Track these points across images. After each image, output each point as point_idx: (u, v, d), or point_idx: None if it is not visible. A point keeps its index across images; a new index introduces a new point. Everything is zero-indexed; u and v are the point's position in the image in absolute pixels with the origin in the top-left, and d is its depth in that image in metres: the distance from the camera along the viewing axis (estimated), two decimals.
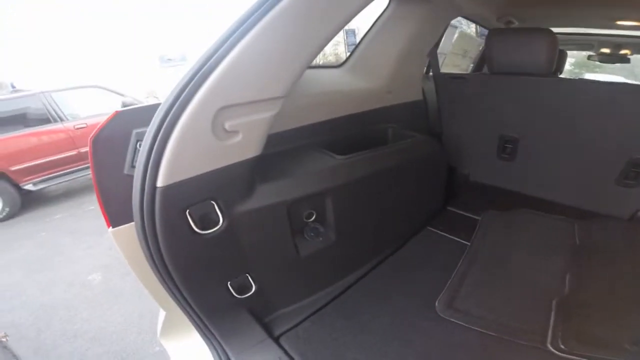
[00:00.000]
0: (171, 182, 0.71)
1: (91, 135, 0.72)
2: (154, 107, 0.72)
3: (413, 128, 1.52)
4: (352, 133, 1.29)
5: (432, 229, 1.47)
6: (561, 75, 3.13)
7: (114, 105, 4.55)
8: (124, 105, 4.52)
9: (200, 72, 0.68)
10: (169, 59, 9.04)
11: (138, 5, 8.05)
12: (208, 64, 0.68)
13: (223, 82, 0.69)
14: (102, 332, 1.97)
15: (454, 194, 1.72)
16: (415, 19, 1.36)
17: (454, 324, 0.97)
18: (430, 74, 1.81)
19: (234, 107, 0.74)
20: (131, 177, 0.72)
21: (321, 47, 0.79)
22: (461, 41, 2.39)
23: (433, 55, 1.72)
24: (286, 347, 0.90)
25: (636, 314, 0.99)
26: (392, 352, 0.90)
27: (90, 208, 3.98)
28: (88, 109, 4.47)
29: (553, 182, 1.58)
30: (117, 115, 0.74)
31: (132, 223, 0.75)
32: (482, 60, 2.38)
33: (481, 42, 2.51)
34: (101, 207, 0.75)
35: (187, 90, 0.68)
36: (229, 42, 0.68)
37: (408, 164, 1.31)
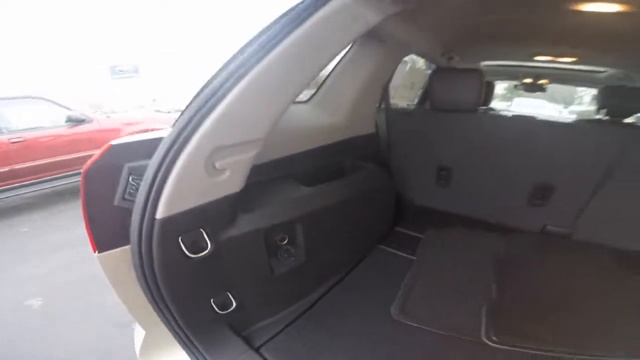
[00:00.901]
0: (169, 214, 0.78)
1: (85, 167, 0.77)
2: (147, 142, 0.81)
3: (367, 158, 1.72)
4: (318, 164, 1.44)
5: (384, 247, 1.67)
6: (494, 101, 3.59)
7: (57, 119, 4.23)
8: (69, 119, 4.23)
9: (199, 115, 0.76)
10: (121, 70, 8.63)
11: (90, 11, 7.64)
12: (205, 107, 0.77)
13: (217, 125, 0.78)
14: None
15: (401, 217, 1.94)
16: (373, 59, 1.53)
17: (407, 325, 1.14)
18: (383, 106, 2.01)
19: (225, 148, 0.83)
20: (120, 208, 0.79)
21: (300, 91, 0.91)
22: (410, 75, 2.66)
23: (385, 90, 1.94)
24: (267, 356, 0.98)
25: (549, 311, 1.21)
26: (360, 353, 1.02)
27: (23, 230, 3.58)
28: (28, 121, 4.10)
29: (481, 203, 1.88)
30: (111, 148, 0.79)
31: (117, 249, 0.81)
32: (425, 94, 2.69)
33: (427, 74, 2.81)
34: (89, 234, 0.79)
35: (186, 131, 0.76)
36: (223, 89, 0.77)
37: (362, 193, 1.49)
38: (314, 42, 0.86)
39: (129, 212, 0.79)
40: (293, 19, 0.81)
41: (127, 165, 0.79)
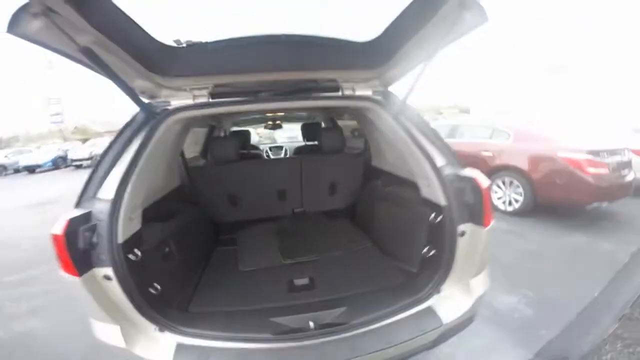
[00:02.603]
0: (122, 240, 1.47)
1: (61, 232, 1.32)
2: (86, 214, 1.43)
3: (180, 201, 2.63)
4: (158, 210, 2.16)
5: (220, 248, 2.76)
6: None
7: None
8: None
9: (121, 190, 1.51)
10: None
11: None
12: (122, 187, 1.52)
13: (129, 196, 1.53)
14: None
15: (220, 231, 3.03)
16: (175, 136, 2.32)
17: (250, 271, 2.29)
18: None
19: (132, 208, 1.59)
20: (84, 249, 1.37)
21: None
22: (192, 135, 3.67)
23: (182, 155, 2.91)
24: (194, 311, 1.84)
25: (303, 242, 2.67)
26: (238, 289, 2.06)
27: None
28: None
29: (257, 209, 3.26)
30: (70, 222, 1.36)
31: (90, 271, 1.39)
32: (205, 148, 3.94)
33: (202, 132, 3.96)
34: (72, 267, 1.34)
35: (118, 201, 1.49)
36: (129, 174, 1.55)
37: (193, 223, 2.46)
38: (162, 143, 1.76)
39: (88, 251, 1.40)
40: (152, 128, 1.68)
41: (80, 228, 1.38)
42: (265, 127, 6.19)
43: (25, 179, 16.31)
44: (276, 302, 1.84)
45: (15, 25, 1.11)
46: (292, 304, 1.82)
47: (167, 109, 1.78)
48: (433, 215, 1.76)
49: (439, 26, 1.44)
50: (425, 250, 1.85)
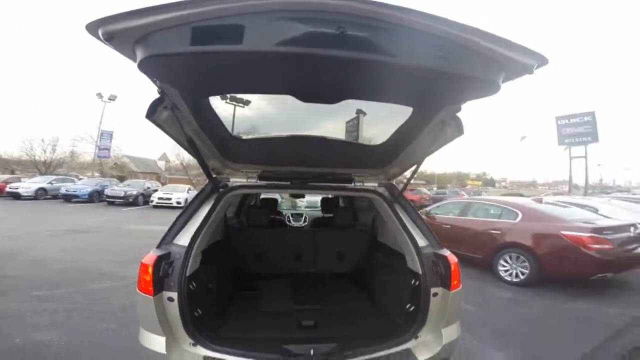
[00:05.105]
0: (188, 275, 1.95)
1: (151, 263, 1.83)
2: (167, 253, 1.94)
3: (223, 253, 3.22)
4: (211, 256, 2.68)
5: (244, 292, 3.24)
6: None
7: None
8: None
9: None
10: None
11: None
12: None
13: (200, 241, 2.12)
14: None
15: (245, 279, 3.59)
16: (228, 203, 2.89)
17: (270, 311, 2.74)
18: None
19: (198, 251, 2.14)
20: (164, 274, 1.87)
21: None
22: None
23: (225, 216, 3.56)
24: (221, 334, 2.26)
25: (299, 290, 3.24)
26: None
27: None
28: None
29: (277, 266, 3.86)
30: (157, 259, 1.89)
31: (161, 292, 1.86)
32: (238, 211, 4.62)
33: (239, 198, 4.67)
34: (150, 287, 1.82)
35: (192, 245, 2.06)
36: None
37: (228, 270, 3.13)
38: (222, 209, 2.37)
39: (162, 278, 1.86)
40: None
41: (163, 262, 1.89)
42: (290, 195, 7.21)
43: (61, 206, 17.37)
44: (287, 335, 2.27)
45: (151, 112, 1.53)
46: (299, 337, 2.26)
47: (227, 185, 2.37)
48: (413, 280, 2.22)
49: (427, 137, 2.00)
50: (407, 306, 2.26)
